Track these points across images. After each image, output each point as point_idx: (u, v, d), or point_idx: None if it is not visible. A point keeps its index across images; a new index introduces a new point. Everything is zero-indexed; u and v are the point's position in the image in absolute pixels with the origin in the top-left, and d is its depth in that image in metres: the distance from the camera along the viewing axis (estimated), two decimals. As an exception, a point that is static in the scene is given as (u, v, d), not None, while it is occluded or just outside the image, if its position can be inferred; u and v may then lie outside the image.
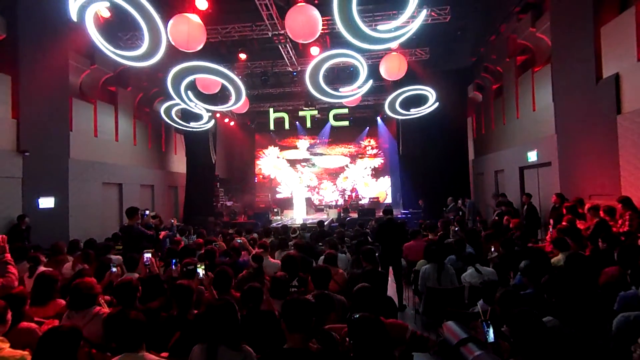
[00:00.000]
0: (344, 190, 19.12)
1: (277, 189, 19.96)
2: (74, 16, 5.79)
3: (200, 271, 3.17)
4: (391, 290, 5.59)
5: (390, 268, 6.01)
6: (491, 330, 2.27)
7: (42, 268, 4.36)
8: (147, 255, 3.67)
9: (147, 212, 6.13)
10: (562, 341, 2.32)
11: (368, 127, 19.35)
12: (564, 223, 5.91)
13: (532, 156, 9.51)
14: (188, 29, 6.57)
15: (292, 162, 20.22)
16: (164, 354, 2.37)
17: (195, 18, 6.77)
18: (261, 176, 20.27)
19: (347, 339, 2.32)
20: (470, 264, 4.45)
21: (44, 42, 8.36)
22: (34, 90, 8.15)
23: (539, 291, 3.02)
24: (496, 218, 8.46)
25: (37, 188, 8.13)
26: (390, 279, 5.96)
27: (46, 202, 8.32)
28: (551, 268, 3.65)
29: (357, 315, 2.54)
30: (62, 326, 2.00)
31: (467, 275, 4.34)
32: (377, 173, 19.64)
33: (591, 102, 6.92)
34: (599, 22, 6.80)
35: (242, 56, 10.87)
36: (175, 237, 7.09)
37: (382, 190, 19.32)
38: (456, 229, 6.69)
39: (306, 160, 20.12)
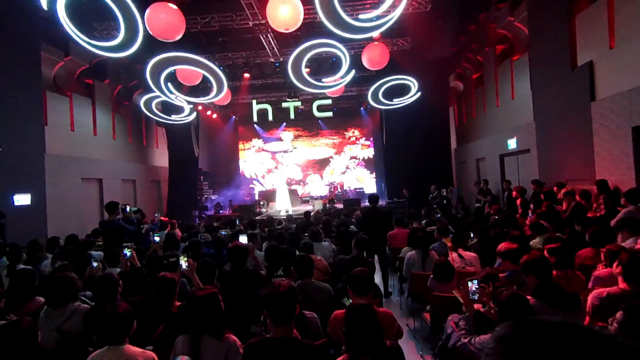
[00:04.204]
0: (332, 183, 19.07)
1: (252, 184, 19.66)
2: (44, 4, 5.55)
3: (183, 263, 3.14)
4: (377, 277, 5.67)
5: (376, 256, 6.09)
6: (476, 282, 2.66)
7: (21, 266, 4.24)
8: (127, 251, 3.60)
9: (128, 207, 5.99)
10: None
11: (352, 118, 19.33)
12: (543, 208, 6.11)
13: (512, 144, 9.73)
14: (166, 17, 6.39)
15: (275, 154, 20.06)
16: (148, 348, 2.34)
17: (173, 6, 6.58)
18: (247, 174, 20.03)
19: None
20: (453, 249, 4.55)
21: (14, 32, 7.99)
22: (4, 83, 7.81)
23: (516, 273, 3.12)
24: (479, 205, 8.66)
25: (11, 184, 7.86)
26: (376, 266, 6.04)
27: (22, 199, 8.06)
28: (528, 250, 3.76)
29: (350, 302, 2.57)
30: (22, 320, 1.98)
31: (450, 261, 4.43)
32: (368, 165, 19.49)
33: (567, 90, 7.11)
34: (574, 10, 6.95)
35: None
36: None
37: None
38: (438, 216, 6.80)
39: (287, 151, 19.92)
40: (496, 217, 6.11)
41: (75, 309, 2.67)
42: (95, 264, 3.60)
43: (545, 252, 3.31)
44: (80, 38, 6.15)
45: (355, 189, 18.50)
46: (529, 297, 2.46)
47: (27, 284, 3.08)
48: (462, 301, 2.78)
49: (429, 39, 11.53)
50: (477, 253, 4.65)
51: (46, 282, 3.49)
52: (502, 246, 3.61)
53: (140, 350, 2.12)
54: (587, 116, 6.51)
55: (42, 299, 3.14)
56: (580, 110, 6.68)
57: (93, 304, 2.90)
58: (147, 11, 6.33)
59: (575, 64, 6.91)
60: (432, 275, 3.79)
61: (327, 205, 14.02)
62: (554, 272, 3.21)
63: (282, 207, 14.91)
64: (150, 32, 6.49)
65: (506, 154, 10.40)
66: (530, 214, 6.50)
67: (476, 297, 2.61)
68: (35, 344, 1.99)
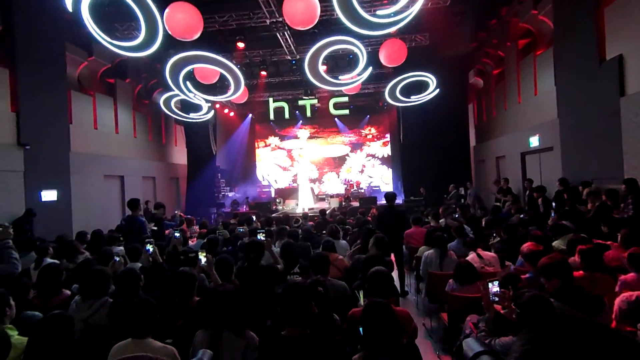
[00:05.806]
0: (349, 180, 18.97)
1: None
2: (69, 6, 5.72)
3: (202, 259, 3.19)
4: (394, 276, 5.63)
5: (392, 255, 6.04)
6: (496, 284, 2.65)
7: (48, 260, 4.40)
8: (149, 246, 3.69)
9: (149, 204, 6.14)
10: (566, 322, 2.33)
11: (368, 115, 19.18)
12: (566, 207, 5.92)
13: (534, 141, 9.46)
14: (184, 17, 6.48)
15: (291, 152, 20.08)
16: (167, 341, 2.39)
17: (191, 6, 6.67)
18: (261, 177, 20.08)
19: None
20: (472, 248, 4.46)
21: (40, 34, 8.27)
22: (32, 82, 8.10)
23: (537, 274, 3.03)
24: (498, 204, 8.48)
25: (39, 181, 8.16)
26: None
27: (49, 195, 8.37)
28: (551, 251, 3.65)
29: (363, 299, 2.55)
30: (60, 313, 2.04)
31: (469, 260, 4.34)
32: (385, 163, 19.26)
33: (594, 85, 6.85)
34: (602, 2, 6.68)
35: (240, 45, 10.73)
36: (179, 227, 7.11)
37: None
38: (456, 215, 6.69)
39: (302, 148, 19.89)
40: (521, 216, 5.96)
41: (102, 302, 2.75)
42: (117, 259, 3.70)
43: (576, 254, 3.19)
44: (103, 39, 6.30)
45: (372, 187, 18.36)
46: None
47: (54, 277, 3.19)
48: (483, 301, 2.72)
49: (448, 34, 11.31)
50: (499, 252, 4.55)
51: (82, 274, 3.61)
52: (525, 247, 3.51)
53: (161, 345, 2.15)
54: (615, 112, 6.26)
55: (68, 292, 3.25)
56: (608, 106, 6.43)
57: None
58: (166, 11, 6.44)
59: (603, 58, 6.65)
60: (451, 280, 3.69)
61: (343, 203, 14.01)
62: (581, 272, 3.11)
63: (305, 204, 14.85)
64: (169, 32, 6.60)
65: (528, 151, 10.12)
66: (552, 214, 6.31)
67: (497, 299, 2.56)
68: (72, 334, 2.06)
